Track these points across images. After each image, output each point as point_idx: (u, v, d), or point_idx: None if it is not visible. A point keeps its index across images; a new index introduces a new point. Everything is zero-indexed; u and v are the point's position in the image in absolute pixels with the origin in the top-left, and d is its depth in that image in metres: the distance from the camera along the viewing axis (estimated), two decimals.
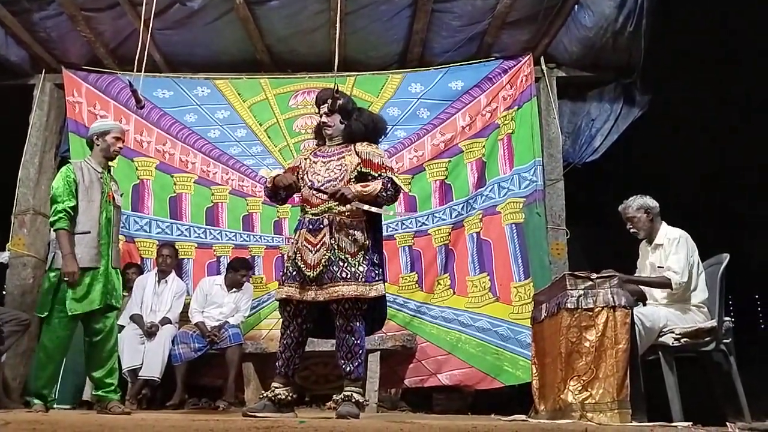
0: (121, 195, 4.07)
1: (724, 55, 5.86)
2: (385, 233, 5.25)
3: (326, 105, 3.41)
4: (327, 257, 3.22)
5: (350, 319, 3.24)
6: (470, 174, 5.53)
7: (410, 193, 5.53)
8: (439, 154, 5.57)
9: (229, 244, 5.52)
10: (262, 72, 5.76)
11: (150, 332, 4.83)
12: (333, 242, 3.25)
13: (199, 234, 5.56)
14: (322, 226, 3.28)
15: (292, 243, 3.42)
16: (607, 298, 3.12)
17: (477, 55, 5.60)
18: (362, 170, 3.36)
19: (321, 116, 3.47)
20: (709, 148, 5.63)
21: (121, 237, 5.24)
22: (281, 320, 3.37)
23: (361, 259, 3.27)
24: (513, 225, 5.31)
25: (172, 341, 4.87)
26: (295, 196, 3.67)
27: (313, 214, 3.32)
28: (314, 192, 3.31)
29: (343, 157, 3.40)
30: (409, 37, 5.37)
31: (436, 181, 5.54)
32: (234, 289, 5.16)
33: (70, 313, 3.61)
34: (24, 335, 4.51)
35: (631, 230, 3.81)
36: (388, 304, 5.06)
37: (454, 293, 5.31)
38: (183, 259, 5.49)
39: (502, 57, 5.60)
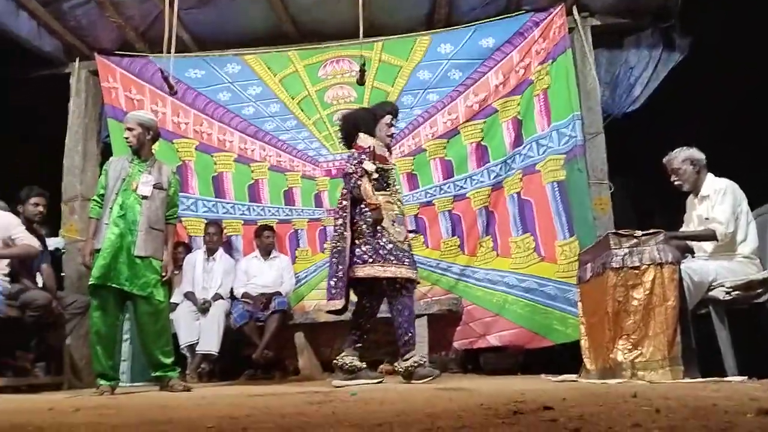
0: (166, 185, 4.04)
1: None
2: (423, 199, 5.41)
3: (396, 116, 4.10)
4: None
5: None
6: (506, 133, 5.45)
7: (446, 158, 5.50)
8: (474, 116, 5.50)
9: (272, 219, 5.61)
10: (290, 44, 5.73)
11: (203, 308, 4.98)
12: None
13: (243, 211, 5.67)
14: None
15: (399, 233, 3.81)
16: (653, 255, 3.08)
17: (506, 10, 5.47)
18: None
19: (392, 127, 4.01)
20: (759, 90, 5.38)
21: None
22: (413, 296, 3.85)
23: None
24: (554, 183, 5.23)
25: (228, 315, 5.02)
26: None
27: (403, 214, 4.00)
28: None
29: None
30: None
31: (471, 143, 5.49)
32: (270, 256, 5.31)
33: (88, 293, 3.84)
34: (84, 317, 4.69)
35: (676, 182, 3.73)
36: (431, 268, 5.24)
37: (498, 255, 5.30)
38: (231, 235, 5.62)
39: (532, 9, 5.44)
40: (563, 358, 4.84)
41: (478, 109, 5.50)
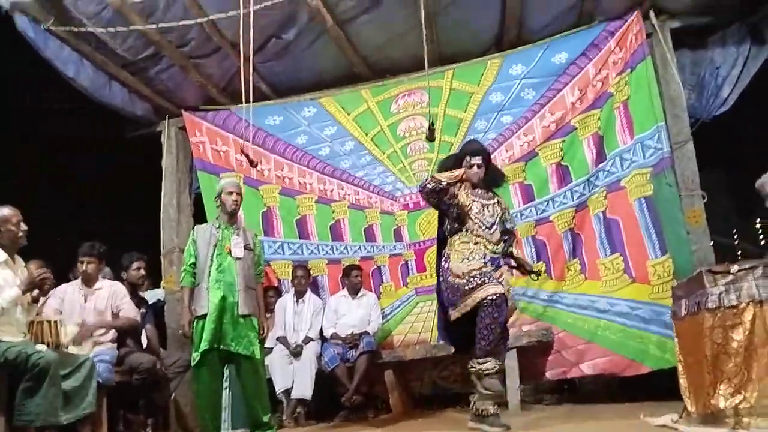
0: (252, 245, 4.27)
1: None
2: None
3: (480, 157, 3.95)
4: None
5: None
6: (587, 150, 5.26)
7: (525, 182, 5.38)
8: (551, 136, 5.34)
9: (355, 257, 5.70)
10: (362, 82, 5.82)
11: (296, 352, 5.13)
12: (505, 278, 3.91)
13: (327, 251, 5.79)
14: (500, 264, 3.89)
15: (468, 265, 3.74)
16: (752, 292, 2.87)
17: (578, 24, 5.28)
18: (503, 220, 3.99)
19: (473, 167, 3.92)
20: None
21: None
22: (501, 310, 3.66)
23: None
24: (642, 199, 4.98)
25: (318, 357, 5.14)
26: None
27: (494, 252, 3.87)
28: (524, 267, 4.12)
29: (494, 203, 3.98)
30: (503, 18, 5.16)
31: (551, 164, 5.33)
32: (358, 295, 5.39)
33: (192, 363, 3.99)
34: (186, 373, 4.95)
35: None
36: (517, 296, 5.15)
37: (586, 278, 5.11)
38: (317, 276, 5.77)
39: (606, 19, 5.21)
40: (660, 380, 4.59)
41: (555, 128, 5.34)
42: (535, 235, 5.30)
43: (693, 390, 3.21)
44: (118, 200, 6.64)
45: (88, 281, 4.56)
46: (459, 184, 3.88)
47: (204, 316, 3.94)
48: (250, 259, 4.19)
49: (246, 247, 4.16)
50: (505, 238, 4.03)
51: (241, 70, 4.54)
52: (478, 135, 5.37)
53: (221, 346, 3.92)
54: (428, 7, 4.65)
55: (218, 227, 4.18)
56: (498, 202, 4.01)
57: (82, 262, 4.49)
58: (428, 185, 3.78)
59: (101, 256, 4.59)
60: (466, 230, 3.84)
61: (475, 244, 3.81)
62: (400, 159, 5.66)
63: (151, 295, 5.77)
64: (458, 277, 3.73)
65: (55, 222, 3.69)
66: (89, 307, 4.48)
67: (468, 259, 3.75)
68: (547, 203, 5.32)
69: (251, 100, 4.44)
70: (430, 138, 3.81)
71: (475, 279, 3.68)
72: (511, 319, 4.94)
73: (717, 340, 2.90)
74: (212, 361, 3.95)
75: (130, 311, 4.56)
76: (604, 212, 5.12)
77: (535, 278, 4.17)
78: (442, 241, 4.00)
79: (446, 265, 3.82)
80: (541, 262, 5.22)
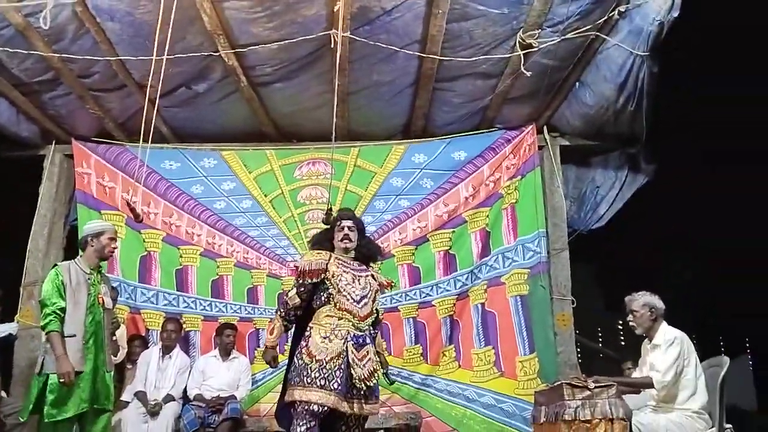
0: (114, 292, 4.13)
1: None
2: (388, 305, 5.36)
3: (352, 221, 3.78)
4: (376, 375, 3.56)
5: (361, 430, 3.60)
6: (474, 244, 5.54)
7: (414, 264, 5.55)
8: (443, 225, 5.59)
9: (234, 316, 5.55)
10: (268, 143, 5.83)
11: (153, 411, 4.83)
12: (375, 358, 3.59)
13: (204, 306, 5.60)
14: (366, 342, 3.56)
15: (325, 348, 3.43)
16: (605, 409, 3.10)
17: (480, 126, 5.64)
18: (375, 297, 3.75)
19: (344, 229, 3.74)
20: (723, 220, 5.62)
21: (124, 308, 5.37)
22: (307, 421, 3.34)
23: None
24: (518, 297, 5.31)
25: (177, 418, 4.87)
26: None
27: (358, 329, 3.56)
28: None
29: (367, 276, 3.74)
30: (412, 111, 5.42)
31: (440, 251, 5.56)
32: (229, 357, 5.21)
33: (46, 419, 3.58)
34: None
35: (630, 323, 3.81)
36: (392, 376, 5.14)
37: (460, 366, 5.31)
38: (190, 331, 5.53)
39: (505, 127, 5.63)
40: None
41: (447, 218, 5.60)
42: (417, 317, 5.46)
43: None
44: None
45: None
46: (329, 254, 3.70)
47: (78, 373, 3.65)
48: (112, 310, 4.07)
49: (112, 297, 4.02)
50: (375, 321, 3.77)
51: (145, 109, 4.41)
52: (375, 214, 5.53)
53: (96, 406, 3.75)
54: (343, 87, 4.80)
55: (89, 273, 3.87)
56: (373, 276, 3.78)
57: None
58: (287, 308, 3.67)
59: None
60: (333, 303, 3.57)
61: (340, 319, 3.53)
62: (296, 225, 5.66)
63: (2, 329, 5.27)
64: (312, 358, 3.42)
65: None
66: None
67: (329, 338, 3.47)
68: (432, 288, 5.51)
69: (150, 134, 4.28)
70: (326, 222, 3.81)
71: (318, 376, 3.38)
72: (382, 398, 5.01)
73: None
74: (73, 421, 3.70)
75: None
76: (483, 304, 5.38)
77: (387, 381, 3.95)
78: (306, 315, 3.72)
79: (305, 343, 3.52)
80: (418, 345, 5.36)
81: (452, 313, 5.43)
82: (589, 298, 5.52)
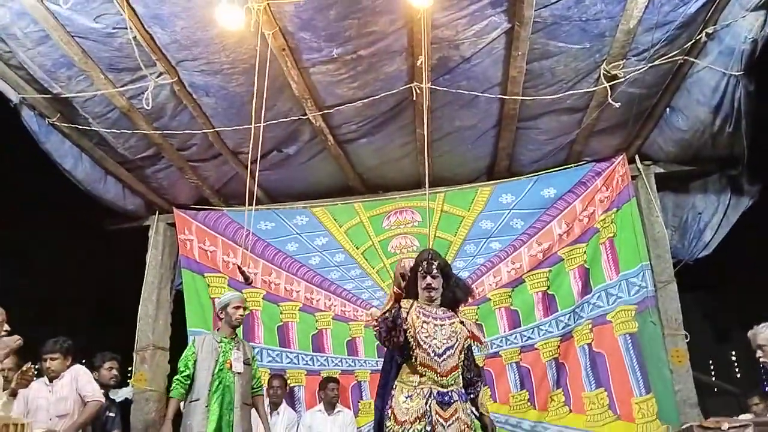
0: (251, 359, 4.30)
1: None
2: (490, 350, 5.22)
3: (435, 265, 3.31)
4: None
5: None
6: (574, 282, 5.37)
7: (512, 307, 5.43)
8: (538, 264, 5.46)
9: (335, 369, 5.59)
10: (356, 196, 5.95)
11: None
12: (465, 417, 3.21)
13: (307, 361, 5.68)
14: (452, 400, 3.21)
15: (407, 409, 3.16)
16: None
17: (567, 161, 5.54)
18: (469, 343, 3.39)
19: (427, 278, 3.32)
20: None
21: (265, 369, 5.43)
22: None
23: None
24: (627, 335, 5.07)
25: None
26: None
27: (441, 386, 3.22)
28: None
29: (454, 324, 3.33)
30: (496, 152, 5.40)
31: (538, 292, 5.41)
32: (334, 411, 5.22)
33: None
34: None
35: (761, 359, 3.53)
36: (500, 425, 4.95)
37: (571, 411, 5.08)
38: (294, 386, 5.62)
39: (594, 160, 5.49)
40: None
41: (542, 257, 5.47)
42: (520, 362, 5.30)
43: None
44: (99, 294, 6.50)
45: (54, 378, 4.39)
46: (411, 302, 3.31)
47: None
48: (249, 374, 4.22)
49: (245, 362, 4.18)
50: (474, 378, 3.45)
51: (248, 177, 4.58)
52: (467, 258, 5.48)
53: None
54: (427, 136, 4.84)
55: (220, 341, 4.17)
56: (462, 322, 3.37)
57: (45, 359, 4.34)
58: (377, 333, 3.21)
59: (67, 352, 4.43)
60: (414, 358, 3.22)
61: (422, 376, 3.21)
62: (389, 275, 5.68)
63: (119, 394, 5.54)
64: (396, 421, 3.17)
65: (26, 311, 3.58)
66: (52, 399, 4.31)
67: (411, 397, 3.19)
68: (533, 330, 5.35)
69: (254, 205, 4.48)
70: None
71: None
72: None
73: None
74: None
75: (95, 395, 4.36)
76: (589, 345, 5.17)
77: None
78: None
79: (390, 403, 3.26)
80: (524, 390, 5.20)
81: (557, 355, 5.24)
82: (696, 331, 5.19)
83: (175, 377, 4.08)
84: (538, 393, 5.20)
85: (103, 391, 4.70)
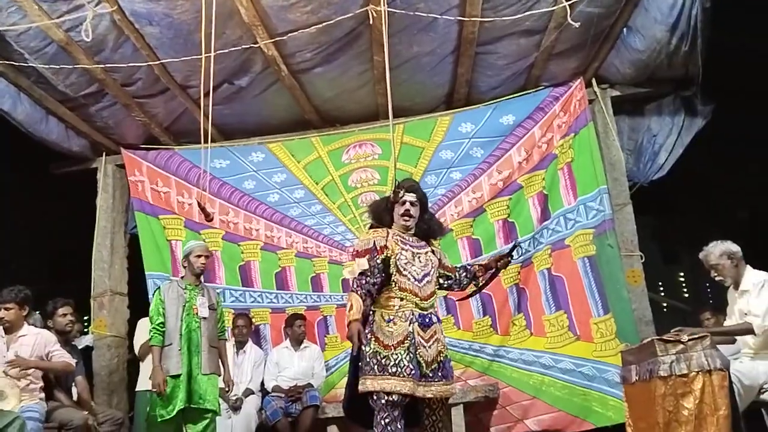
0: (215, 304, 4.42)
1: None
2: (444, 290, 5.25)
3: (415, 195, 3.49)
4: (443, 354, 3.39)
5: (445, 411, 3.49)
6: (533, 209, 5.40)
7: (473, 236, 5.46)
8: (499, 193, 5.47)
9: (301, 306, 5.57)
10: (312, 130, 5.80)
11: (235, 407, 4.90)
12: (442, 338, 3.42)
13: (271, 299, 5.64)
14: (432, 321, 3.41)
15: (390, 333, 3.29)
16: (701, 361, 2.99)
17: (525, 87, 5.47)
18: (440, 272, 3.57)
19: (405, 203, 3.48)
20: None
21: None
22: (389, 411, 3.21)
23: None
24: (585, 258, 5.16)
25: (260, 409, 4.95)
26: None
27: (422, 309, 3.39)
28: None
29: (428, 253, 3.52)
30: (454, 79, 5.29)
31: (498, 220, 5.44)
32: (301, 346, 5.26)
33: (159, 420, 4.05)
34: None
35: (717, 278, 3.65)
36: (464, 350, 5.08)
37: (532, 334, 5.20)
38: (259, 325, 5.59)
39: (551, 85, 5.45)
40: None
41: (502, 186, 5.47)
42: None
43: None
44: (47, 239, 6.26)
45: (10, 329, 4.22)
46: (386, 231, 3.47)
47: (175, 377, 4.07)
48: (214, 319, 4.33)
49: (210, 307, 4.29)
50: (464, 273, 3.68)
51: (201, 113, 4.39)
52: (428, 190, 5.36)
53: (191, 405, 4.08)
54: (383, 63, 4.70)
55: (185, 288, 4.28)
56: (433, 251, 3.57)
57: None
58: (362, 283, 3.33)
59: (23, 302, 4.25)
60: (393, 283, 3.38)
61: (402, 300, 3.36)
62: (351, 209, 5.63)
63: (80, 342, 5.44)
64: (379, 344, 3.29)
65: None
66: (10, 356, 4.15)
67: (393, 320, 3.31)
68: None
69: (209, 144, 4.29)
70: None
71: (389, 363, 3.23)
72: (457, 373, 4.97)
73: (668, 407, 2.99)
74: (177, 418, 4.08)
75: (64, 357, 4.26)
76: (549, 269, 5.25)
77: (518, 250, 3.95)
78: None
79: (369, 328, 3.36)
80: (487, 316, 5.30)
81: (518, 281, 5.32)
82: (646, 252, 5.34)
83: (151, 327, 4.21)
84: (500, 318, 5.29)
85: (61, 337, 4.59)
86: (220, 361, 4.34)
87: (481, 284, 3.78)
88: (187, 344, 4.12)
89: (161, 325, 4.17)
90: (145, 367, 4.93)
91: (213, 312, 4.32)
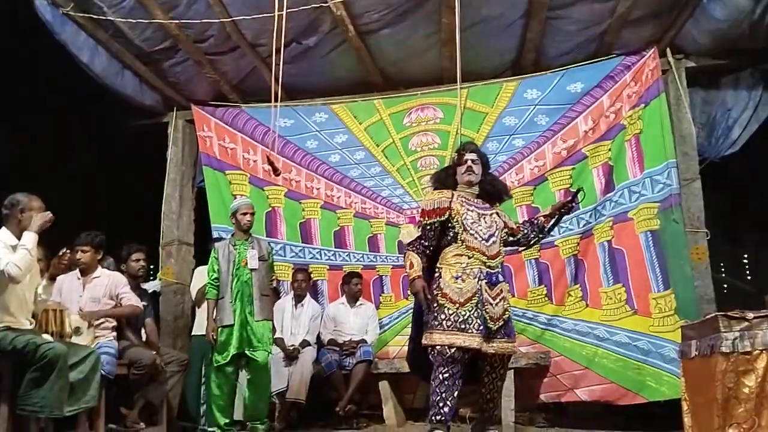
0: (266, 255, 4.67)
1: None
2: (510, 247, 5.26)
3: (475, 154, 3.65)
4: (508, 313, 3.53)
5: (506, 370, 3.61)
6: (597, 180, 5.31)
7: (533, 205, 5.43)
8: (562, 162, 5.39)
9: (357, 265, 5.69)
10: (375, 93, 5.82)
11: (292, 356, 5.10)
12: (508, 296, 3.56)
13: (329, 256, 5.78)
14: (499, 280, 3.51)
15: (459, 289, 3.38)
16: (766, 339, 2.92)
17: (596, 55, 5.32)
18: (505, 232, 3.66)
19: (467, 161, 3.61)
20: None
21: (285, 264, 5.74)
22: (450, 367, 3.31)
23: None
24: (648, 232, 5.06)
25: (316, 360, 5.13)
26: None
27: (490, 267, 3.49)
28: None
29: (492, 215, 3.63)
30: (522, 44, 5.20)
31: (560, 190, 5.37)
32: (356, 304, 5.41)
33: (215, 364, 4.45)
34: (184, 374, 4.95)
35: None
36: (516, 318, 5.12)
37: (587, 305, 5.16)
38: (317, 280, 5.75)
39: (623, 53, 5.29)
40: (652, 408, 4.77)
41: (566, 155, 5.39)
42: (539, 258, 5.35)
43: (698, 429, 3.27)
44: (120, 189, 6.55)
45: (86, 271, 4.52)
46: (451, 192, 3.55)
47: (229, 326, 4.39)
48: (264, 269, 4.58)
49: (261, 258, 4.54)
50: (530, 228, 3.81)
51: (272, 73, 4.50)
52: (489, 156, 5.28)
53: (245, 351, 4.41)
54: (451, 24, 4.66)
55: (234, 245, 4.56)
56: (498, 213, 3.65)
57: (77, 251, 4.43)
58: (418, 245, 3.51)
59: (98, 246, 4.55)
60: (461, 242, 3.45)
61: (470, 258, 3.43)
62: (409, 173, 5.67)
63: (148, 287, 5.72)
64: (447, 299, 3.37)
65: (53, 209, 3.61)
66: (86, 297, 4.44)
67: (461, 278, 3.39)
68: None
69: (278, 102, 4.44)
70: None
71: (458, 319, 3.32)
72: None
73: (729, 384, 2.94)
74: (233, 363, 4.43)
75: (132, 300, 4.53)
76: (609, 242, 5.18)
77: (581, 195, 3.97)
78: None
79: (436, 284, 3.44)
80: (542, 286, 5.30)
81: (576, 252, 5.27)
82: (711, 231, 5.19)
83: (206, 281, 4.54)
84: (556, 288, 5.27)
85: (133, 281, 4.86)
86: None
87: (546, 230, 3.89)
88: (240, 295, 4.43)
89: (216, 280, 4.47)
90: (201, 313, 5.21)
91: (263, 263, 4.57)
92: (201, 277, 5.12)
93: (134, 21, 4.82)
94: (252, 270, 4.49)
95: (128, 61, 5.40)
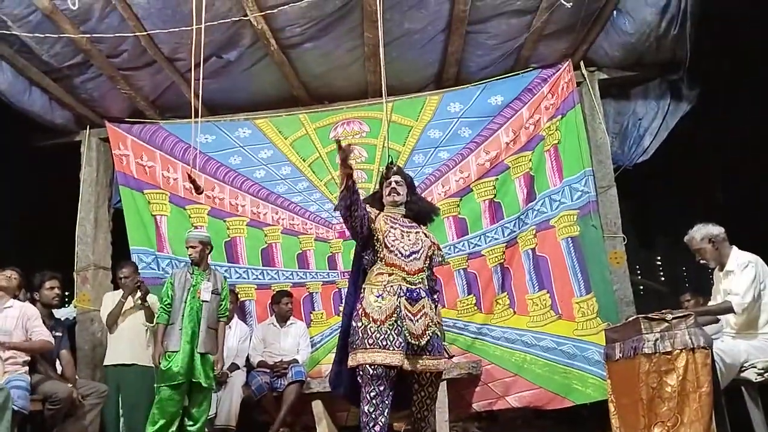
0: (219, 288, 4.60)
1: None
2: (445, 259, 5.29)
3: (399, 176, 3.63)
4: (431, 329, 3.38)
5: (435, 388, 3.50)
6: (519, 190, 5.46)
7: (459, 216, 5.50)
8: (486, 173, 5.50)
9: (286, 283, 5.58)
10: (300, 107, 5.76)
11: (220, 381, 4.91)
12: (431, 313, 3.41)
13: (257, 275, 5.64)
14: (419, 296, 3.40)
15: (379, 307, 3.31)
16: (685, 339, 3.06)
17: (514, 68, 5.48)
18: (432, 252, 3.57)
19: (391, 183, 3.60)
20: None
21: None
22: (375, 385, 3.23)
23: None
24: (569, 239, 5.23)
25: (246, 384, 4.97)
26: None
27: (410, 283, 3.40)
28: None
29: (418, 233, 3.56)
30: (444, 58, 5.28)
31: (484, 200, 5.48)
32: (287, 323, 5.29)
33: (160, 390, 4.30)
34: (102, 407, 4.68)
35: (701, 261, 3.73)
36: (447, 328, 5.13)
37: (515, 313, 5.27)
38: (245, 300, 5.59)
39: (540, 66, 5.47)
40: (579, 410, 4.95)
41: (489, 166, 5.51)
42: (467, 268, 5.42)
43: (625, 430, 3.37)
44: (30, 214, 6.16)
45: None
46: (376, 212, 3.54)
47: (174, 352, 4.32)
48: (216, 302, 4.54)
49: (214, 291, 4.51)
50: (434, 288, 3.69)
51: (191, 88, 4.38)
52: (415, 169, 5.46)
53: (191, 379, 4.33)
54: (374, 39, 4.68)
55: (192, 273, 4.51)
56: (425, 233, 3.59)
57: None
58: (342, 214, 3.42)
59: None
60: (381, 260, 3.44)
61: (390, 275, 3.39)
62: (337, 187, 5.60)
63: (62, 313, 5.40)
64: (369, 319, 3.32)
65: None
66: None
67: (382, 296, 3.35)
68: (480, 238, 5.45)
69: (199, 118, 4.30)
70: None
71: (379, 336, 3.26)
72: None
73: (652, 384, 3.06)
74: (177, 391, 4.30)
75: (43, 335, 4.25)
76: (533, 249, 5.32)
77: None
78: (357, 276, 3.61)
79: (360, 304, 3.40)
80: (471, 295, 5.37)
81: (502, 261, 5.38)
82: (626, 236, 5.43)
83: (159, 306, 4.51)
84: (484, 297, 5.35)
85: (47, 310, 4.57)
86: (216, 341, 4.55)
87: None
88: (191, 324, 4.37)
89: (168, 305, 4.42)
90: (112, 341, 4.97)
91: (216, 296, 4.53)
92: (110, 301, 4.99)
93: (42, 36, 4.57)
94: (204, 302, 4.46)
95: (36, 78, 5.12)
